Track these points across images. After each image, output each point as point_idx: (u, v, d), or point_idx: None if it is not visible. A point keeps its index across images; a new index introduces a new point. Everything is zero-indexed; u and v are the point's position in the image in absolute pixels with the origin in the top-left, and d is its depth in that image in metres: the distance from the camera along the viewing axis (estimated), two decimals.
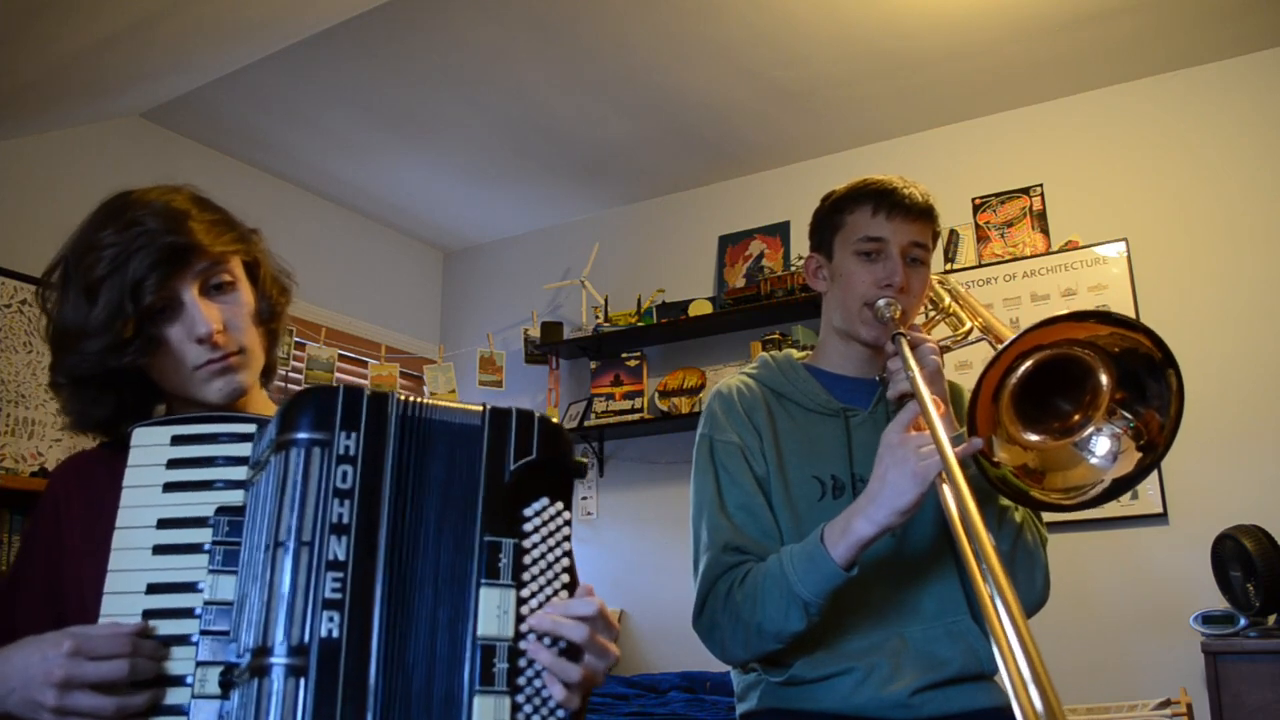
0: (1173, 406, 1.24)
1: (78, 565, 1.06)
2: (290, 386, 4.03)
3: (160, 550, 0.95)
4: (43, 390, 3.22)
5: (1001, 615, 1.02)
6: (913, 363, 1.34)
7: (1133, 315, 3.38)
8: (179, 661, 0.91)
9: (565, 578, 0.92)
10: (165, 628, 0.92)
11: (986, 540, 1.10)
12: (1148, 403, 1.26)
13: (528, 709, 0.86)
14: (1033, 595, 1.44)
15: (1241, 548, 2.78)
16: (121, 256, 1.06)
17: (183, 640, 0.92)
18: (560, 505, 0.93)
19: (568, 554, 0.93)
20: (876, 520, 1.26)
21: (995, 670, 1.46)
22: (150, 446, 1.00)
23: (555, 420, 0.97)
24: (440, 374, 4.40)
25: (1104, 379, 1.27)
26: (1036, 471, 1.29)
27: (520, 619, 0.89)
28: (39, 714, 0.88)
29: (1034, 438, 1.30)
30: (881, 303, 1.46)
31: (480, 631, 0.87)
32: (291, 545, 0.85)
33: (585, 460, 0.98)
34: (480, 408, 0.94)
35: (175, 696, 0.90)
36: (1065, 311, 1.23)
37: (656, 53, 3.33)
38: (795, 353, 1.63)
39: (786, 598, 1.32)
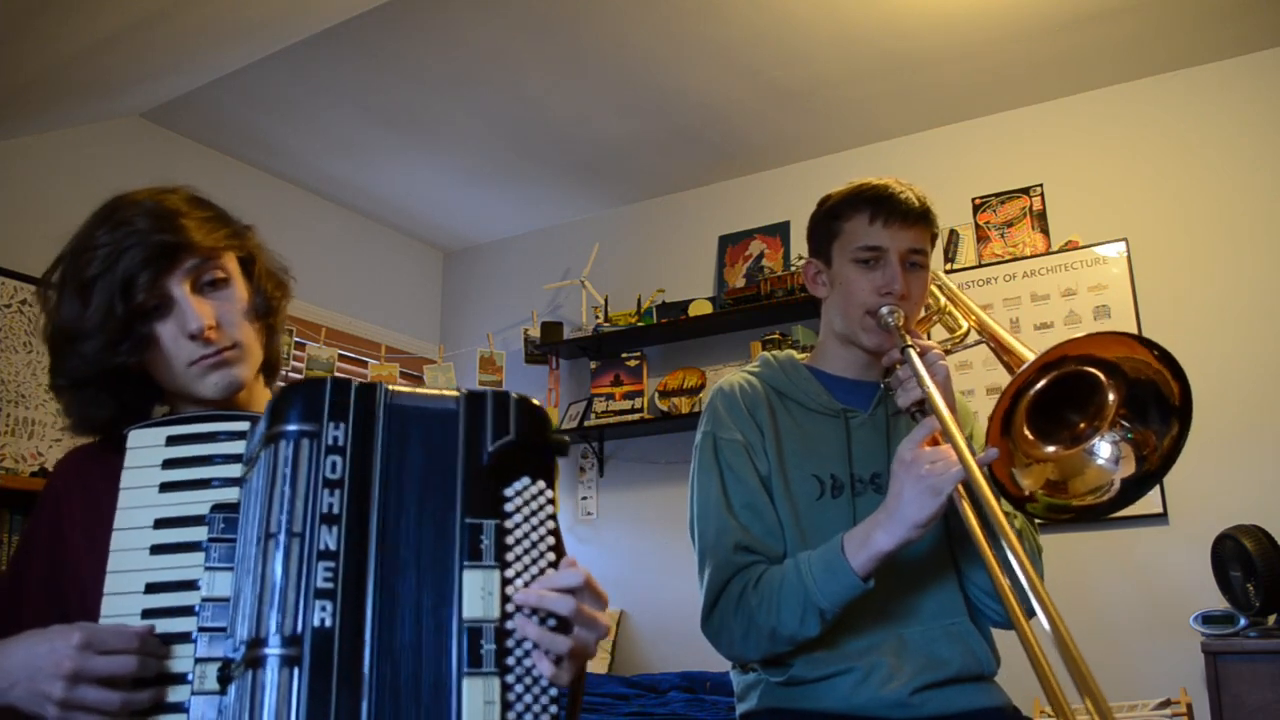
0: (1166, 442, 1.27)
1: (77, 564, 1.06)
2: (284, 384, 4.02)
3: (158, 550, 0.96)
4: (43, 390, 3.22)
5: (1036, 608, 1.05)
6: (926, 376, 1.35)
7: (1132, 315, 3.38)
8: (179, 659, 0.92)
9: (551, 555, 0.92)
10: (165, 626, 0.93)
11: (1015, 539, 1.13)
12: (1148, 426, 1.29)
13: (518, 688, 0.86)
14: (1028, 604, 1.44)
15: (1241, 548, 2.77)
16: (113, 256, 1.06)
17: (183, 638, 0.92)
18: (542, 484, 0.93)
19: (552, 532, 0.93)
20: (896, 535, 1.28)
21: (995, 670, 1.47)
22: (146, 448, 1.00)
23: (536, 401, 0.96)
24: (440, 374, 4.40)
25: (1111, 396, 1.29)
26: (1060, 482, 1.31)
27: (506, 599, 0.89)
28: (44, 706, 0.88)
29: (1049, 449, 1.32)
30: (884, 310, 1.46)
31: (466, 614, 0.87)
32: (283, 536, 0.85)
33: (566, 439, 0.98)
34: (456, 392, 0.94)
35: (176, 694, 0.91)
36: (1114, 330, 1.26)
37: (656, 52, 3.33)
38: (796, 354, 1.63)
39: (804, 606, 1.33)
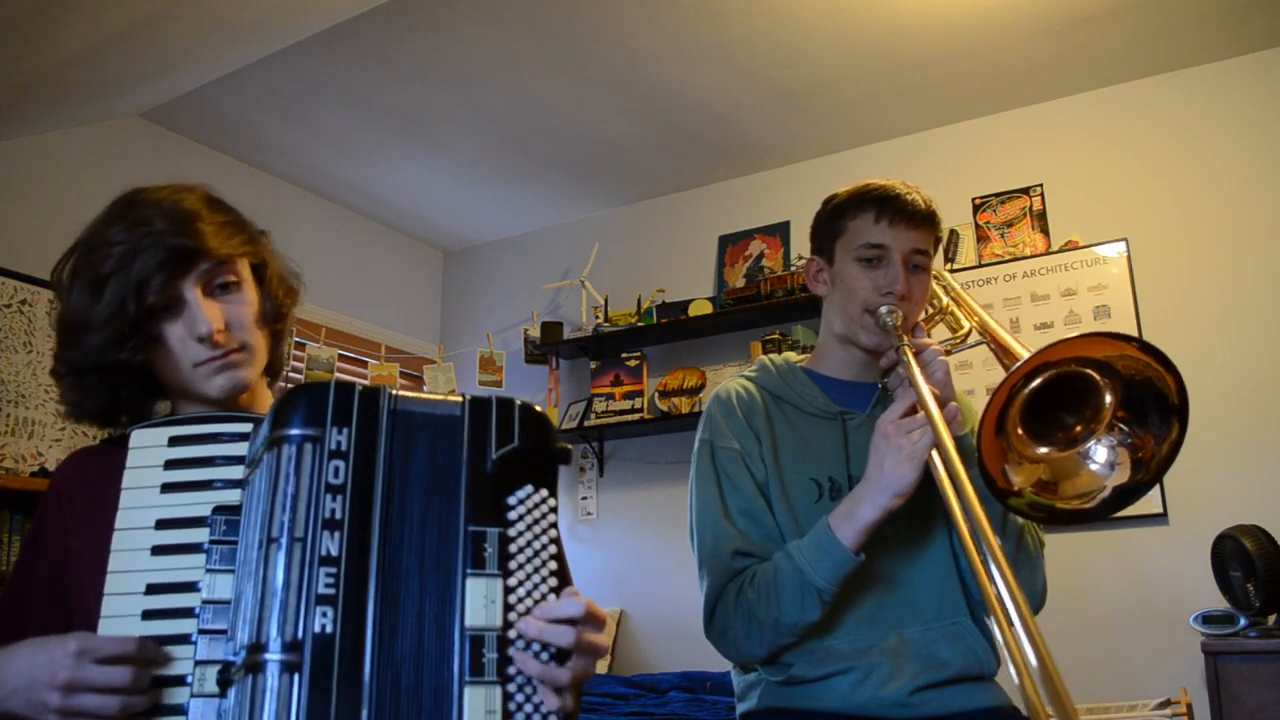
0: (1165, 447, 1.27)
1: (79, 565, 1.06)
2: (290, 387, 4.02)
3: (159, 551, 0.95)
4: (43, 390, 3.22)
5: (1006, 602, 1.05)
6: (916, 370, 1.36)
7: (1132, 315, 3.38)
8: (179, 661, 0.91)
9: (553, 564, 0.92)
10: (165, 628, 0.92)
11: (989, 530, 1.13)
12: (1146, 429, 1.28)
13: (519, 698, 0.86)
14: (1033, 599, 1.45)
15: (1241, 548, 2.77)
16: (129, 255, 1.07)
17: (182, 640, 0.92)
18: (545, 492, 0.93)
19: (555, 541, 0.93)
20: (879, 504, 1.31)
21: (995, 671, 1.47)
22: (148, 448, 1.00)
23: (539, 409, 0.97)
24: (440, 374, 4.40)
25: (1108, 398, 1.29)
26: (1051, 483, 1.31)
27: (508, 608, 0.88)
28: (42, 715, 0.88)
29: (1042, 450, 1.32)
30: (883, 310, 1.46)
31: (468, 622, 0.87)
32: (284, 541, 0.84)
33: (570, 446, 0.98)
34: (460, 398, 0.94)
35: (175, 696, 0.91)
36: (1097, 331, 1.26)
37: (657, 53, 3.33)
38: (794, 356, 1.63)
39: (801, 588, 1.34)
